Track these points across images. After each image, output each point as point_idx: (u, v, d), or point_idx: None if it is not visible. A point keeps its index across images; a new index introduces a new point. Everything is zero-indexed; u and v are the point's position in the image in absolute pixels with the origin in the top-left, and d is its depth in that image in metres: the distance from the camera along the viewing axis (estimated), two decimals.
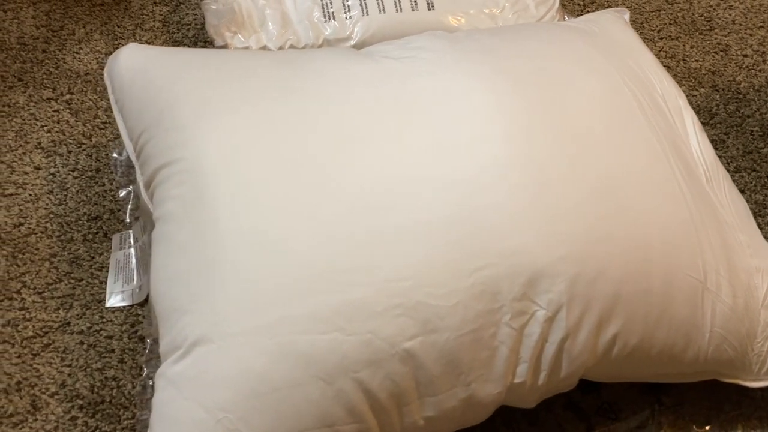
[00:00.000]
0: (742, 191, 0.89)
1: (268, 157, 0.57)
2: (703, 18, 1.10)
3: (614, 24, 0.80)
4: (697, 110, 0.97)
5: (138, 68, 0.69)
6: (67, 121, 0.87)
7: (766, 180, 0.91)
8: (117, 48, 0.95)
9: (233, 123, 0.60)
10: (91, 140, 0.85)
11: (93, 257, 0.75)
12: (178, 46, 0.97)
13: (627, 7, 1.10)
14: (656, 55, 1.03)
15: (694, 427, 0.68)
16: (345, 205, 0.55)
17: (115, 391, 0.67)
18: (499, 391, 0.56)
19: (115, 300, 0.72)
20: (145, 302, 0.72)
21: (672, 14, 1.10)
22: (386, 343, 0.52)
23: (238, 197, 0.56)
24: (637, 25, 1.08)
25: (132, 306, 0.72)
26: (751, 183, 0.90)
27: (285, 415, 0.50)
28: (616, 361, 0.58)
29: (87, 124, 0.87)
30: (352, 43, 0.89)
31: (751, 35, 1.09)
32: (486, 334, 0.54)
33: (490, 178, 0.57)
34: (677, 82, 1.00)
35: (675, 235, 0.59)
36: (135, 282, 0.73)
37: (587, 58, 0.68)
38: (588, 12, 1.09)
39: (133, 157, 0.68)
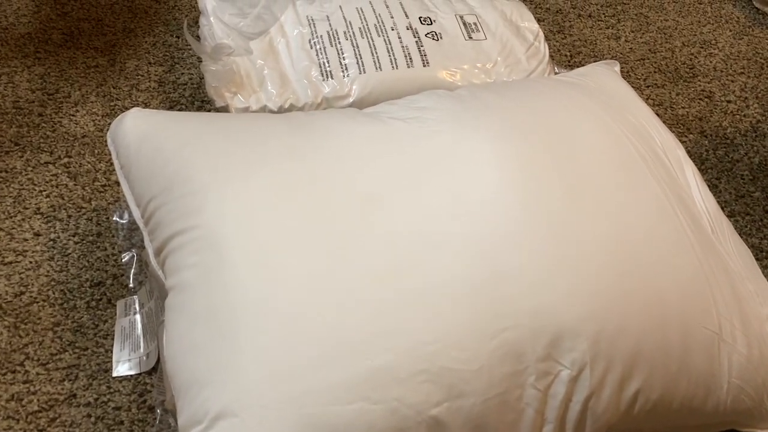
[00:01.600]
0: None
1: (286, 223, 0.57)
2: (685, 66, 1.14)
3: (607, 77, 0.82)
4: (689, 155, 0.99)
5: (144, 134, 0.69)
6: (66, 185, 0.86)
7: (760, 223, 0.93)
8: (113, 109, 0.95)
9: (247, 189, 0.60)
10: (90, 204, 0.84)
11: (97, 325, 0.74)
12: (175, 106, 0.97)
13: (613, 57, 1.14)
14: (645, 102, 1.06)
15: None
16: (364, 269, 0.55)
17: None
18: None
19: (122, 369, 0.70)
20: (153, 370, 0.71)
21: (656, 63, 1.14)
22: (412, 411, 0.51)
23: (256, 265, 0.55)
24: (624, 74, 1.11)
25: (140, 374, 0.70)
26: (746, 227, 0.92)
27: None
28: (639, 416, 0.58)
29: (86, 188, 0.86)
30: (351, 100, 0.91)
31: (732, 81, 1.12)
32: (512, 397, 0.53)
33: (508, 238, 0.57)
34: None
35: (689, 288, 0.60)
36: (142, 349, 0.71)
37: (589, 113, 0.70)
38: (575, 62, 1.12)
39: (140, 223, 0.68)
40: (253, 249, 0.56)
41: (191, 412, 0.53)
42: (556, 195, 0.60)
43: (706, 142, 1.02)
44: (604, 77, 0.82)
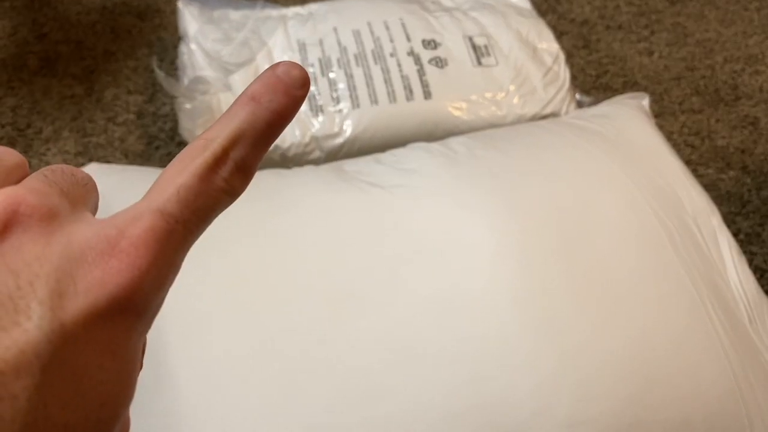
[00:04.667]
0: None
1: (241, 329, 0.49)
2: (727, 86, 1.01)
3: (634, 123, 0.71)
4: (728, 197, 0.88)
5: None
6: None
7: None
8: (87, 147, 0.88)
9: (199, 281, 0.52)
10: None
11: None
12: (153, 142, 0.89)
13: (644, 76, 1.02)
14: (679, 131, 0.95)
15: None
16: (328, 390, 0.47)
17: None
18: None
19: None
20: None
21: (693, 82, 1.01)
22: None
23: (204, 386, 0.47)
24: (657, 97, 0.99)
25: None
26: None
27: None
28: None
29: None
30: (342, 140, 0.81)
31: None
32: None
33: (501, 352, 0.48)
34: (703, 163, 0.91)
35: (719, 409, 0.50)
36: None
37: (608, 178, 0.59)
38: (601, 83, 1.01)
39: None
40: (199, 362, 0.48)
41: None
42: (560, 295, 0.51)
43: (749, 180, 0.90)
44: (629, 122, 0.71)
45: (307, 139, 0.81)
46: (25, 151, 0.86)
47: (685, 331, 0.51)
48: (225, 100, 0.82)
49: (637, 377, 0.49)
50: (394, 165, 0.62)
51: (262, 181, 0.63)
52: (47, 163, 0.85)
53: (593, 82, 1.01)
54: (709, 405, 0.50)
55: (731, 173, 0.91)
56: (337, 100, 0.83)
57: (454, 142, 0.67)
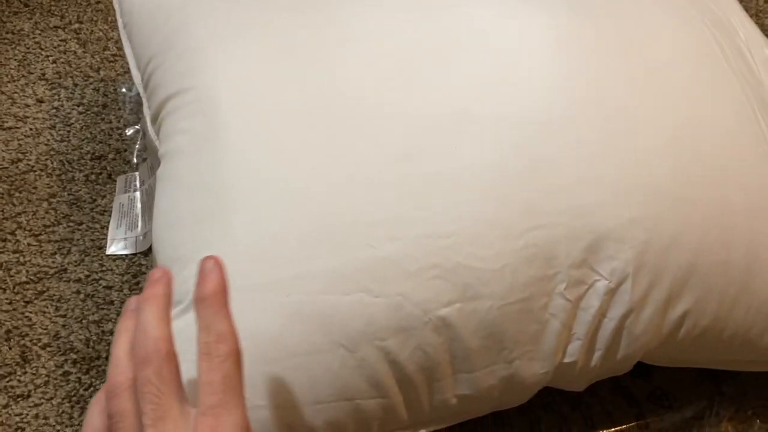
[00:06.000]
0: None
1: (292, 90, 0.50)
2: None
3: None
4: None
5: None
6: (75, 52, 0.79)
7: None
8: None
9: (253, 48, 0.53)
10: (99, 73, 0.78)
11: (95, 199, 0.68)
12: None
13: None
14: None
15: (758, 421, 0.61)
16: (377, 146, 0.48)
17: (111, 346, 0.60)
18: (545, 371, 0.48)
19: (116, 247, 0.65)
20: (149, 251, 0.65)
21: None
22: (419, 309, 0.44)
23: (254, 135, 0.48)
24: None
25: (135, 255, 0.65)
26: None
27: (300, 385, 0.44)
28: (682, 343, 0.50)
29: (95, 56, 0.79)
30: None
31: None
32: (536, 305, 0.46)
33: (552, 121, 0.48)
34: None
35: (762, 201, 0.50)
36: (139, 229, 0.66)
37: None
38: None
39: (140, 89, 0.61)
40: (252, 116, 0.49)
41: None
42: (615, 76, 0.51)
43: None
44: None
45: None
46: None
47: (736, 126, 0.52)
48: None
49: (689, 157, 0.49)
50: None
51: None
52: None
53: None
54: (753, 197, 0.50)
55: None
56: None
57: None
